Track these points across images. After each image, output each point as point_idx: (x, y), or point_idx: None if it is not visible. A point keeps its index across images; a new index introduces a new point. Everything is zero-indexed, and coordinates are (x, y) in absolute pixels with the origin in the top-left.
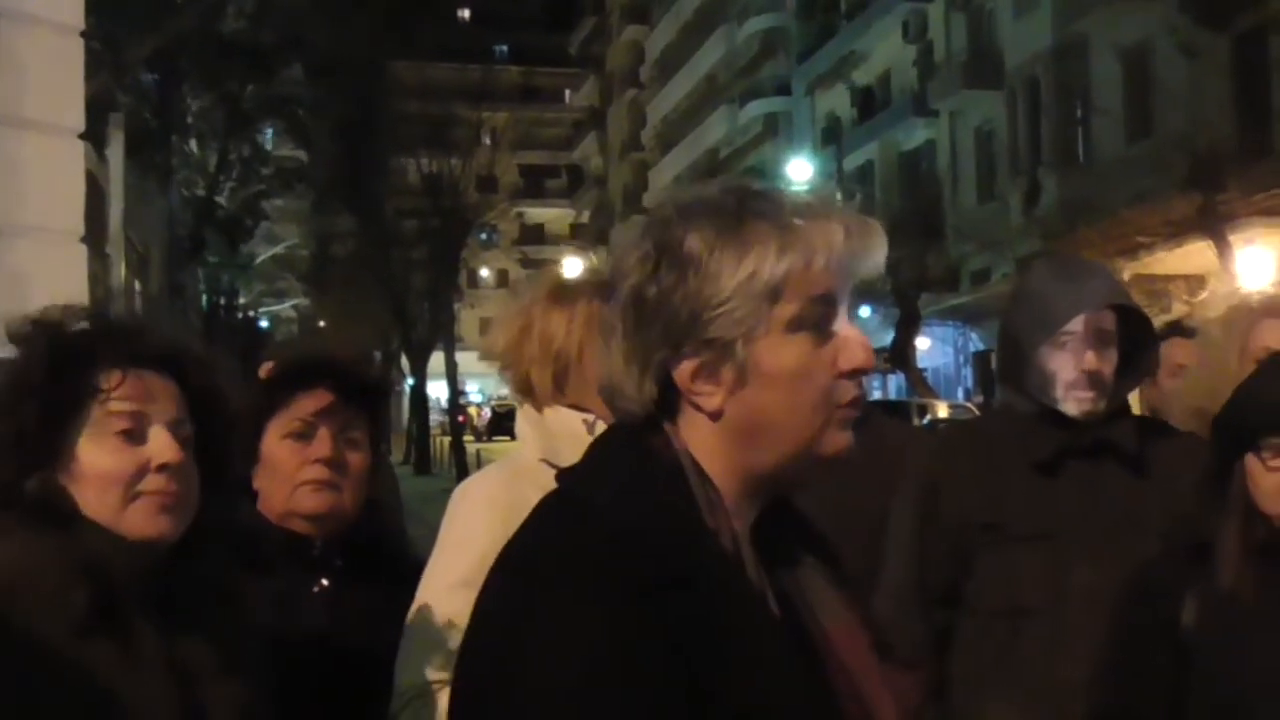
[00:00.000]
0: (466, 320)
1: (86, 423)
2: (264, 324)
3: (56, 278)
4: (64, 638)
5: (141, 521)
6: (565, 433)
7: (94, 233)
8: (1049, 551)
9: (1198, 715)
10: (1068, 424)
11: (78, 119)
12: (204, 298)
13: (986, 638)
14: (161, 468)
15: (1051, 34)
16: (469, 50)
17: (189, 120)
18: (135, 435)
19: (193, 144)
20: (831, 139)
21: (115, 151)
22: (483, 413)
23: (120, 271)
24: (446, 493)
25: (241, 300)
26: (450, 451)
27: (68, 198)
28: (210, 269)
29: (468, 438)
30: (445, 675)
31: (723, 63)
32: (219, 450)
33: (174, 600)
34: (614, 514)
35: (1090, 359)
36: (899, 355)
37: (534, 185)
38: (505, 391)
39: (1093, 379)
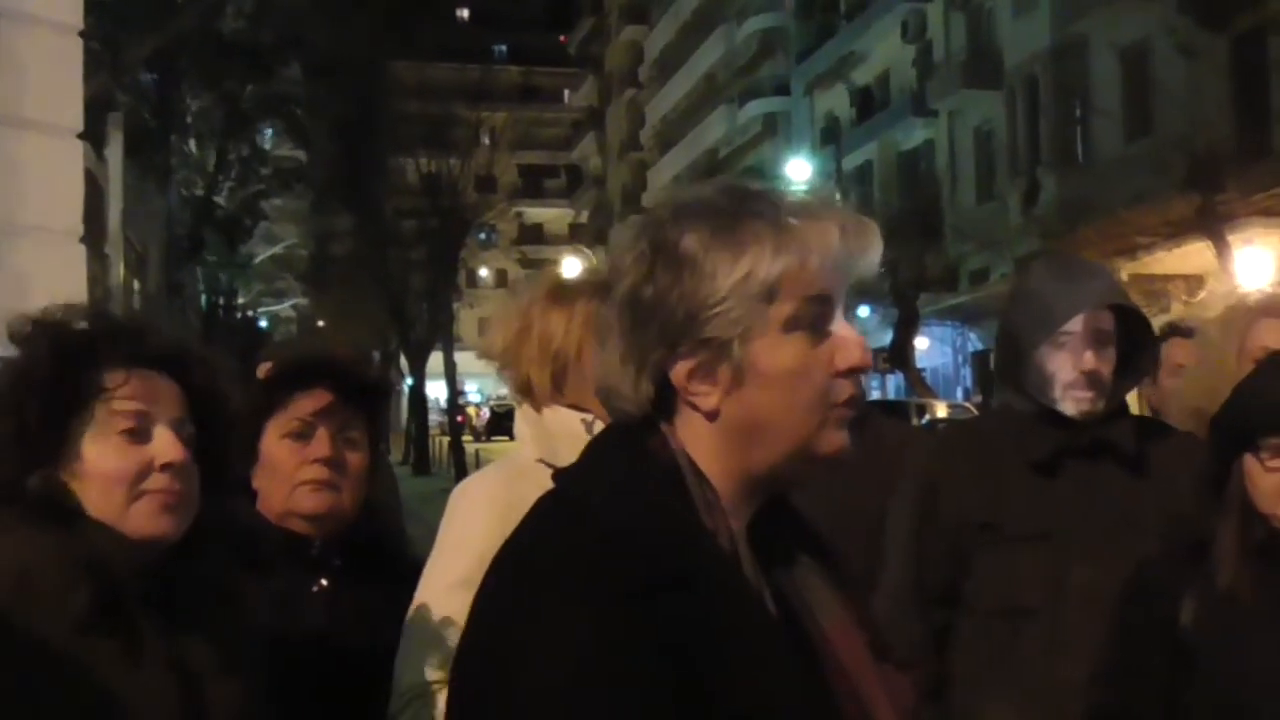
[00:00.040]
0: (465, 320)
1: (91, 421)
2: (263, 324)
3: (55, 277)
4: (66, 635)
5: (144, 520)
6: (564, 433)
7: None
8: (1047, 551)
9: (1196, 715)
10: (1066, 424)
11: (76, 119)
12: (203, 297)
13: (985, 637)
14: (165, 467)
15: (1050, 34)
16: (468, 50)
17: (188, 120)
18: (140, 434)
19: (192, 144)
20: (830, 139)
21: (114, 151)
22: (481, 413)
23: (119, 271)
24: (445, 493)
25: (240, 300)
26: (449, 451)
27: (66, 197)
28: (209, 269)
29: (466, 438)
30: (445, 675)
31: (721, 62)
32: (219, 450)
33: (174, 599)
34: (609, 514)
35: (1089, 359)
36: (898, 355)
37: (533, 185)
38: (504, 391)
39: (1091, 379)
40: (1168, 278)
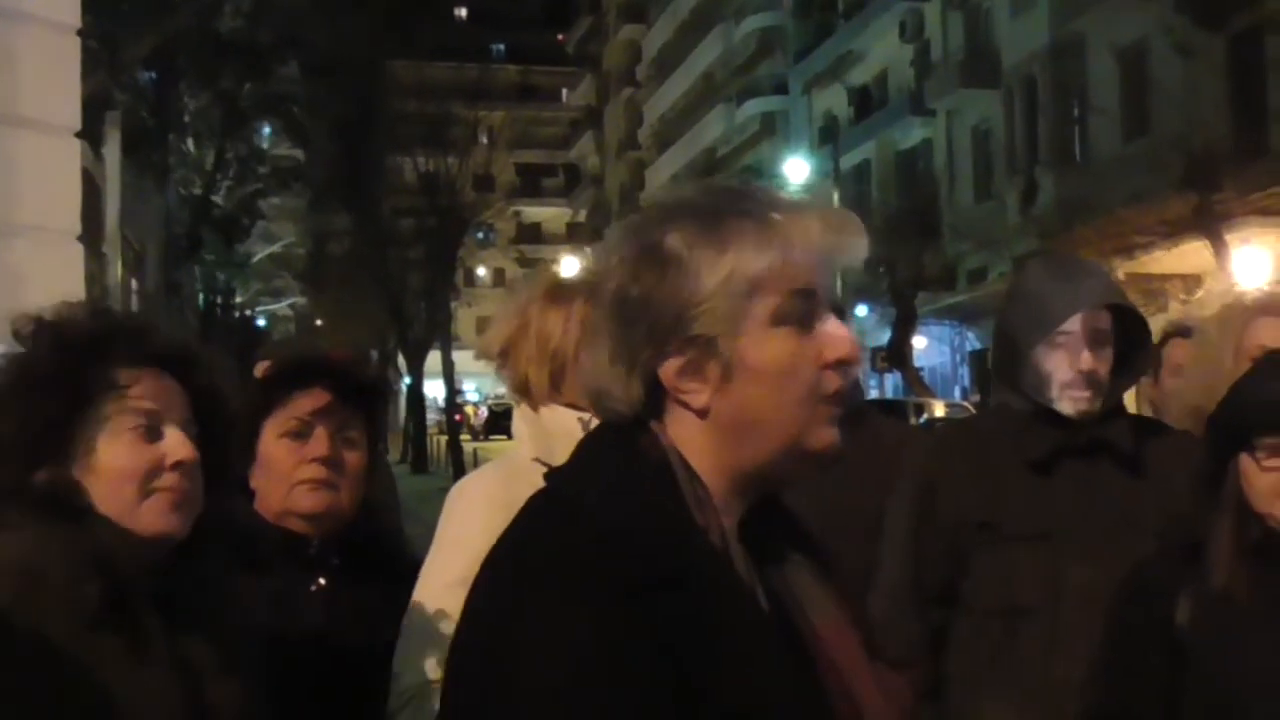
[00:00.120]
0: (463, 319)
1: (102, 418)
2: (261, 322)
3: (53, 277)
4: (73, 631)
5: (154, 518)
6: (561, 432)
7: (90, 231)
8: (1045, 551)
9: (1192, 715)
10: (1063, 423)
11: (74, 117)
12: (200, 296)
13: (983, 637)
14: (176, 465)
15: (1048, 33)
16: (466, 49)
17: (186, 119)
18: (151, 433)
19: (190, 142)
20: (828, 138)
21: (112, 150)
22: (479, 412)
23: (117, 270)
24: (443, 492)
25: (238, 299)
26: (447, 450)
27: (64, 196)
28: (207, 267)
29: (464, 437)
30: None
31: (720, 62)
32: (219, 451)
33: (176, 598)
34: (602, 513)
35: (1086, 359)
36: (896, 354)
37: (531, 184)
38: (502, 390)
39: (1089, 379)
40: (1165, 277)
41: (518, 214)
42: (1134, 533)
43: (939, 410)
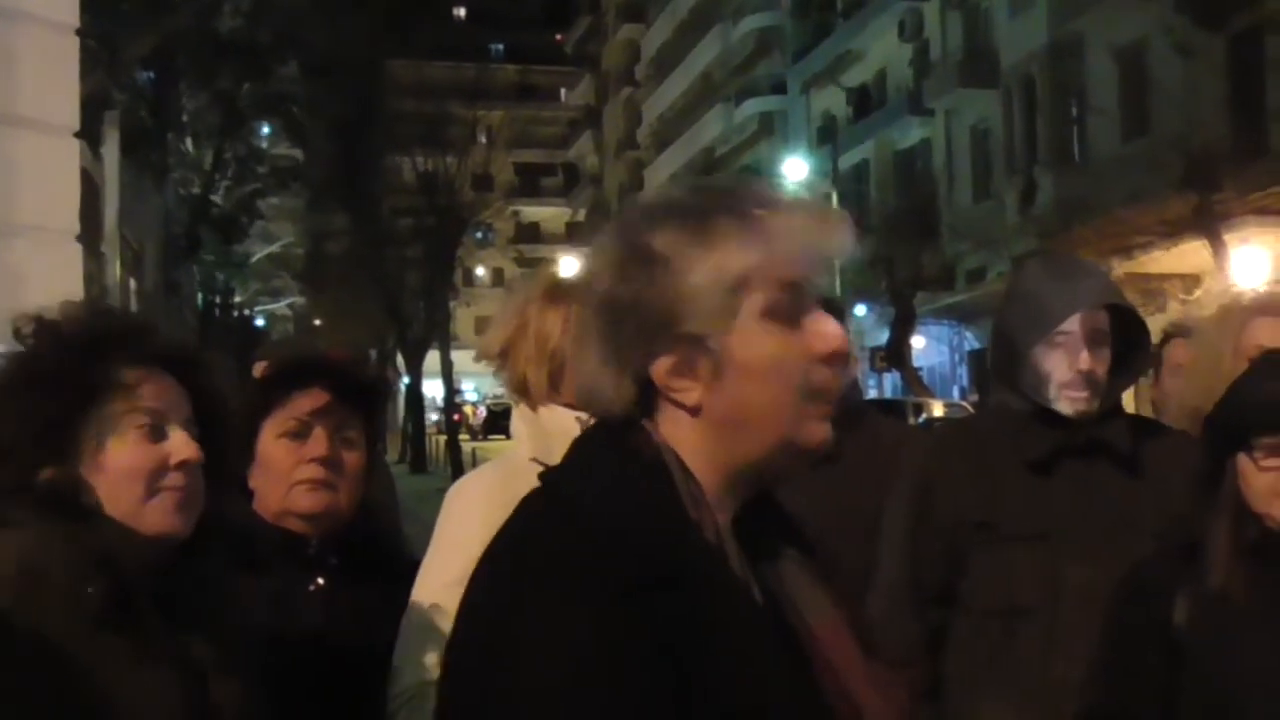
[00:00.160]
0: (462, 319)
1: (108, 418)
2: (259, 322)
3: (51, 276)
4: (76, 630)
5: (160, 517)
6: (559, 431)
7: (89, 231)
8: (1044, 551)
9: (1189, 714)
10: (1062, 423)
11: (73, 117)
12: (199, 296)
13: (981, 637)
14: (181, 465)
15: (1047, 33)
16: (465, 49)
17: (185, 118)
18: (155, 432)
19: (188, 142)
20: (827, 138)
21: (110, 149)
22: (478, 411)
23: (115, 269)
24: (442, 491)
25: (237, 299)
26: (446, 450)
27: (63, 196)
28: (206, 267)
29: (463, 436)
30: None
31: (718, 61)
32: (218, 452)
33: (178, 598)
34: (598, 512)
35: (1085, 359)
36: (894, 354)
37: (530, 184)
38: (501, 390)
39: (1087, 379)
40: (1164, 277)
41: (516, 213)
42: (1132, 533)
43: (937, 410)
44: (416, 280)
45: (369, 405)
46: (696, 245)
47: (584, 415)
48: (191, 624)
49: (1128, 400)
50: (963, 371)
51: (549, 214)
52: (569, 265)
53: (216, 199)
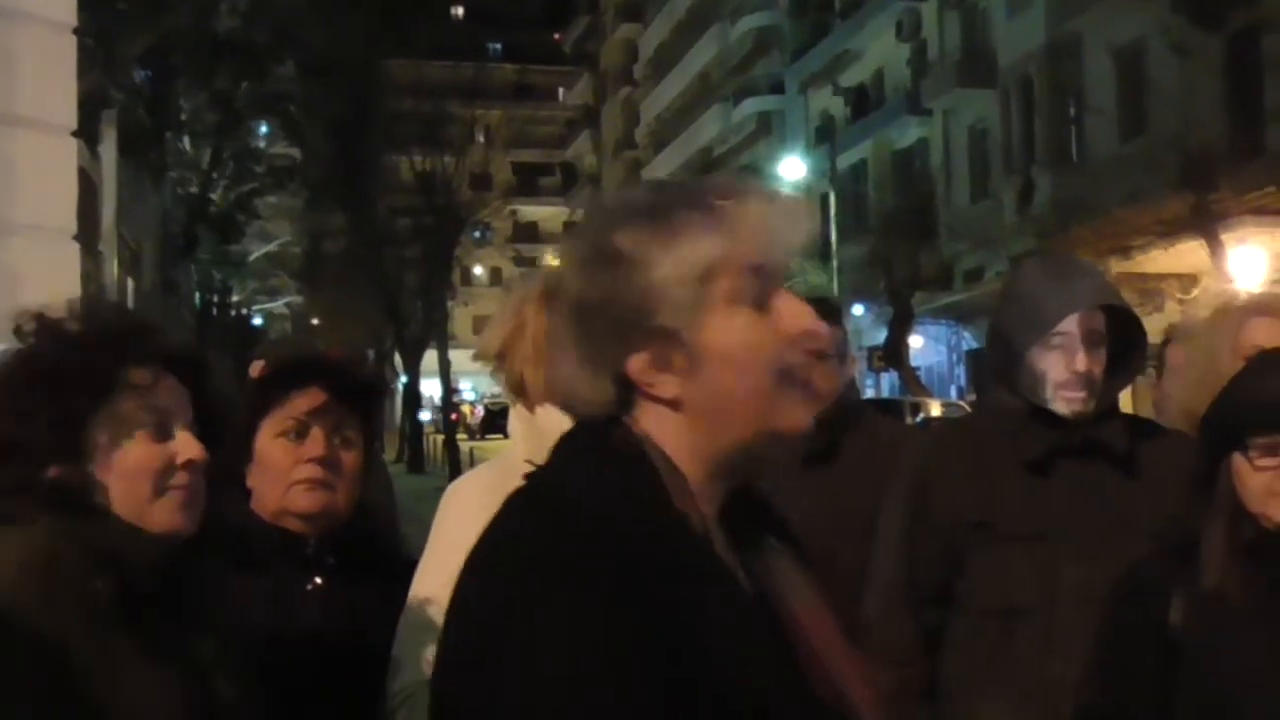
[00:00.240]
0: (460, 318)
1: (117, 417)
2: (257, 321)
3: (49, 275)
4: (83, 627)
5: (167, 516)
6: (556, 432)
7: (86, 230)
8: (1041, 551)
9: (1186, 714)
10: (1058, 423)
11: (70, 116)
12: (197, 295)
13: (979, 637)
14: (187, 464)
15: (1045, 33)
16: (462, 48)
17: (182, 117)
18: (163, 432)
19: (186, 141)
20: (825, 137)
21: (108, 149)
22: (476, 411)
23: (113, 269)
24: (439, 491)
25: (234, 298)
26: (444, 450)
27: (60, 195)
28: (203, 266)
29: (461, 436)
30: None
31: (716, 61)
32: (217, 453)
33: (181, 596)
34: (585, 507)
35: (1081, 360)
36: (892, 354)
37: (527, 183)
38: (498, 390)
39: (1084, 379)
40: (1162, 276)
41: (514, 213)
42: (1128, 533)
43: (935, 409)
44: (414, 279)
45: (367, 405)
46: (660, 240)
47: None
48: (191, 623)
49: (1128, 401)
50: (960, 371)
51: (547, 213)
52: None
53: (214, 198)
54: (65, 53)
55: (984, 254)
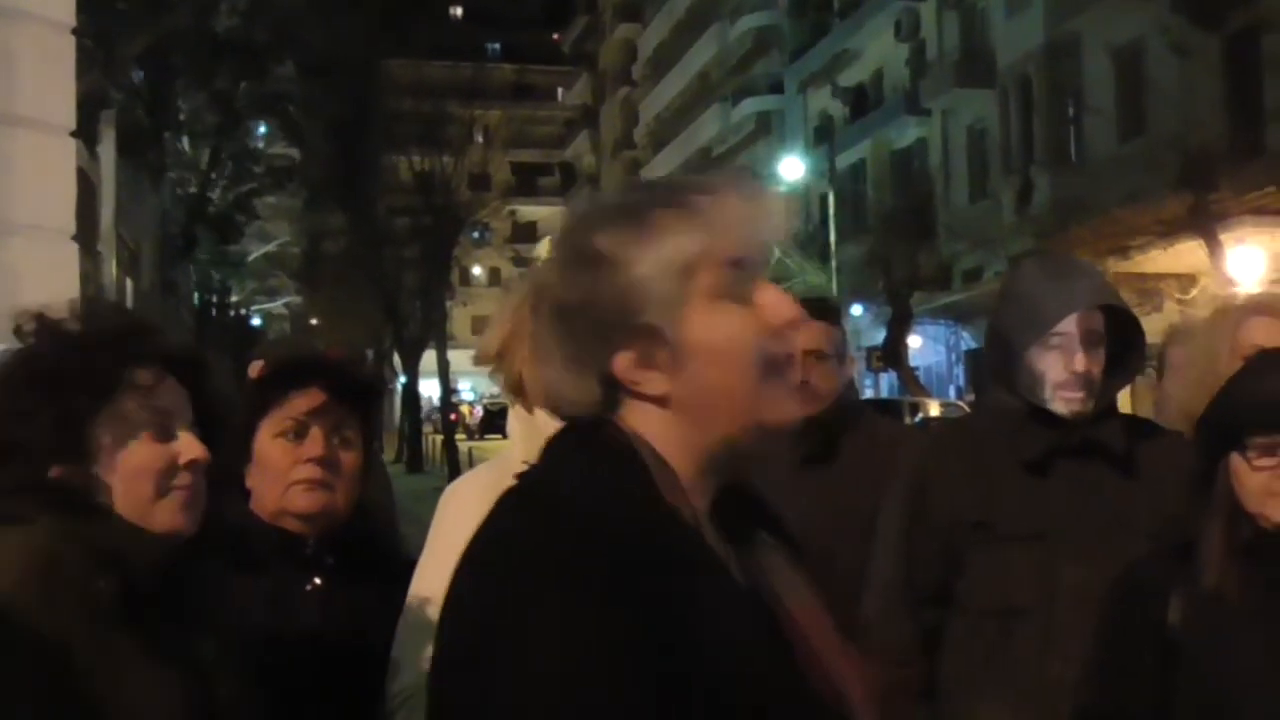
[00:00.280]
0: (459, 318)
1: (120, 417)
2: (256, 321)
3: (48, 275)
4: (84, 627)
5: (169, 516)
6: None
7: (85, 230)
8: (1039, 551)
9: (1184, 714)
10: (1057, 423)
11: (69, 116)
12: (196, 295)
13: (977, 637)
14: (190, 464)
15: (1044, 33)
16: (462, 48)
17: (181, 117)
18: (165, 432)
19: (185, 141)
20: (824, 137)
21: (107, 149)
22: (475, 411)
23: (111, 269)
24: (438, 491)
25: (233, 298)
26: (442, 450)
27: (59, 195)
28: (202, 266)
29: (460, 436)
30: None
31: (715, 61)
32: (216, 454)
33: (182, 596)
34: (577, 504)
35: (1080, 360)
36: (891, 354)
37: (526, 183)
38: (497, 390)
39: (1082, 379)
40: (1160, 276)
41: (513, 213)
42: (1127, 533)
43: (934, 409)
44: (413, 280)
45: (366, 405)
46: (638, 239)
47: None
48: (192, 623)
49: (1127, 401)
50: (959, 371)
51: (546, 213)
52: None
53: (213, 198)
54: (64, 53)
55: (983, 254)
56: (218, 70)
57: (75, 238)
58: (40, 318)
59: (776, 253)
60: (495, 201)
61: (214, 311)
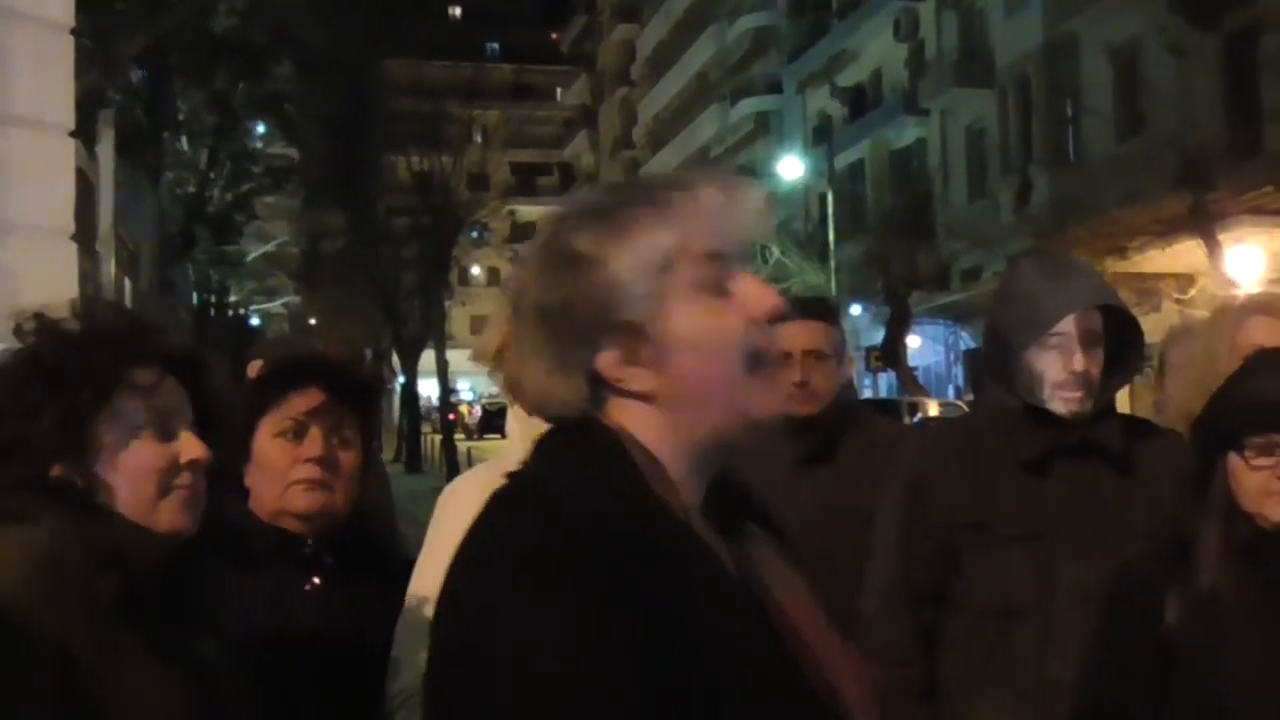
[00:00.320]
0: (457, 318)
1: (121, 416)
2: (254, 321)
3: (46, 275)
4: (86, 626)
5: (171, 516)
6: None
7: (84, 230)
8: (1038, 551)
9: (1182, 713)
10: (1055, 423)
11: (68, 116)
12: (194, 295)
13: (976, 637)
14: (191, 464)
15: (1042, 33)
16: (460, 48)
17: (180, 117)
18: (167, 432)
19: (183, 141)
20: (823, 137)
21: (105, 149)
22: (473, 411)
23: (110, 268)
24: (437, 491)
25: (232, 297)
26: (441, 450)
27: (58, 195)
28: (201, 266)
29: (459, 436)
30: None
31: (714, 61)
32: (216, 454)
33: (182, 596)
34: (568, 501)
35: (1078, 360)
36: (890, 354)
37: (525, 183)
38: (496, 390)
39: (1081, 379)
40: (1159, 276)
41: (512, 213)
42: (1125, 533)
43: (933, 409)
44: (412, 279)
45: (365, 405)
46: (615, 237)
47: None
48: (193, 623)
49: (1126, 401)
50: (958, 371)
51: (544, 213)
52: None
53: (212, 198)
54: (63, 53)
55: (981, 254)
56: (216, 70)
57: (74, 237)
58: (40, 317)
59: (776, 252)
60: (494, 201)
61: (213, 311)
